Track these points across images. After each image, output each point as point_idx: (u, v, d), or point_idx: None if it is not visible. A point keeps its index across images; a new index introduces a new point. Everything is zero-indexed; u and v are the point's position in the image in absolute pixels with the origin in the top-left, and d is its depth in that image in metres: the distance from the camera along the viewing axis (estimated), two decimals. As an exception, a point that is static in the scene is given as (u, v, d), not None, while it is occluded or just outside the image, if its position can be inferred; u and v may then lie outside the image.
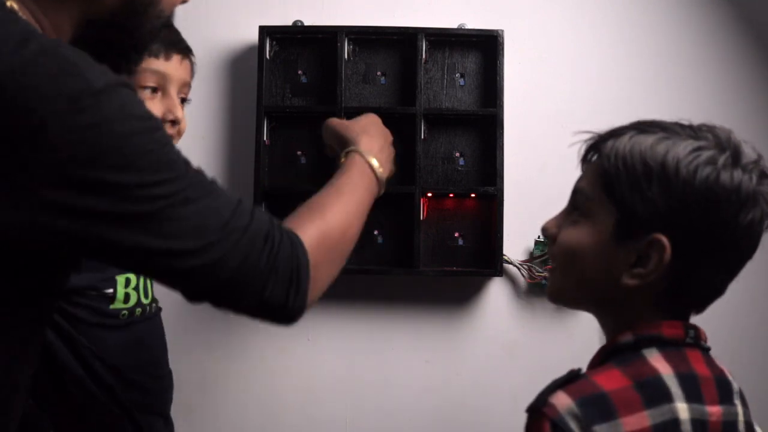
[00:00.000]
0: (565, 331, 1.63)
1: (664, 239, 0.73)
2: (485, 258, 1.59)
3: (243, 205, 0.71)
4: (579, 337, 1.61)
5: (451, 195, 1.60)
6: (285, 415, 1.64)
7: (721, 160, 0.73)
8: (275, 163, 1.61)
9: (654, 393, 0.71)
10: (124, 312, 1.09)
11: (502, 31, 1.58)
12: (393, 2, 1.67)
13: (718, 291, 0.77)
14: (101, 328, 1.07)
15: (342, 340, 1.64)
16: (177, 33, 1.10)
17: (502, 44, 1.58)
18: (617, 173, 0.75)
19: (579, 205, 0.80)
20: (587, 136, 0.81)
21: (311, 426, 1.64)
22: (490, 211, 1.58)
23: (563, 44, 1.66)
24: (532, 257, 1.61)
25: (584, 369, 0.78)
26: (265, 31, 1.59)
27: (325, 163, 1.60)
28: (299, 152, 1.61)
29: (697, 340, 0.76)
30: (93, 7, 0.71)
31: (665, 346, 0.75)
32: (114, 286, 1.08)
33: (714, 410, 0.72)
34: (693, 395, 0.72)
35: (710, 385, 0.74)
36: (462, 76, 1.62)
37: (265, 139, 1.59)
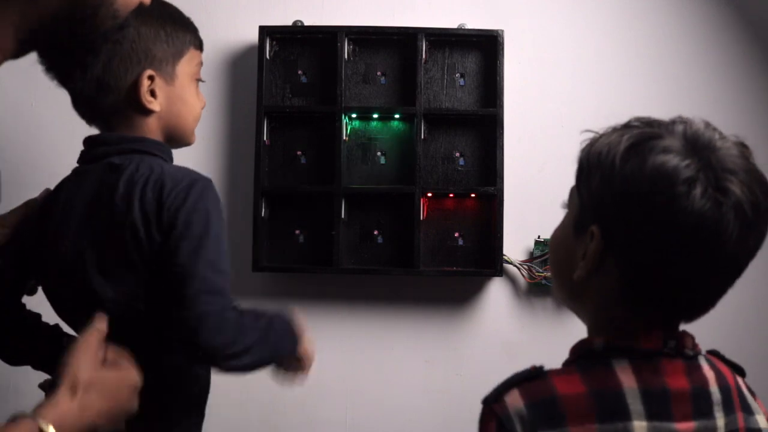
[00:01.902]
0: (565, 331, 1.62)
1: (595, 229, 0.72)
2: (485, 258, 1.59)
3: None
4: (579, 337, 1.60)
5: (451, 195, 1.60)
6: (285, 415, 1.64)
7: (651, 145, 0.70)
8: (275, 163, 1.61)
9: (610, 407, 0.69)
10: None
11: (502, 31, 1.58)
12: (393, 2, 1.67)
13: (695, 298, 0.72)
14: None
15: (342, 340, 1.64)
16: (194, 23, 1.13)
17: (502, 44, 1.58)
18: (581, 166, 0.77)
19: (568, 202, 0.82)
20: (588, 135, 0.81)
21: (311, 426, 1.64)
22: (490, 211, 1.58)
23: (563, 44, 1.66)
24: (532, 257, 1.61)
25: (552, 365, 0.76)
26: (265, 31, 1.59)
27: (325, 163, 1.60)
28: (299, 152, 1.61)
29: (678, 350, 0.73)
30: (33, 12, 0.68)
31: (638, 357, 0.72)
32: None
33: (684, 427, 0.70)
34: (658, 413, 0.69)
35: (684, 400, 0.70)
36: (462, 76, 1.62)
37: (265, 139, 1.59)
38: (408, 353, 1.65)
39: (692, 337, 0.75)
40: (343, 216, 1.57)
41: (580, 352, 0.76)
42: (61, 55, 0.92)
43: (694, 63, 1.66)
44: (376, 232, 1.60)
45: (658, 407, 0.69)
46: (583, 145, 0.77)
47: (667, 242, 0.68)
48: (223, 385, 1.63)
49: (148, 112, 1.05)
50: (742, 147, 0.72)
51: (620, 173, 0.70)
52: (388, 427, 1.63)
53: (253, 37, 1.61)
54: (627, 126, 0.75)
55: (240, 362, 1.00)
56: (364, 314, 1.65)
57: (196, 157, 1.65)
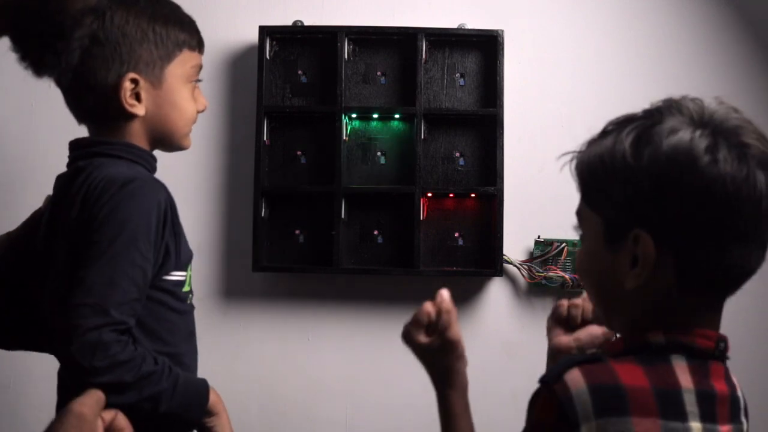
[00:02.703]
0: (565, 331, 1.62)
1: (641, 232, 0.69)
2: (485, 258, 1.59)
3: None
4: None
5: (451, 195, 1.60)
6: (285, 415, 1.64)
7: (664, 128, 0.69)
8: (275, 163, 1.61)
9: (671, 407, 0.68)
10: (190, 296, 1.05)
11: (502, 31, 1.58)
12: (393, 2, 1.67)
13: (742, 266, 0.71)
14: (176, 314, 1.00)
15: (342, 340, 1.64)
16: (195, 23, 1.09)
17: (502, 44, 1.58)
18: (585, 182, 0.75)
19: (579, 225, 0.79)
20: (569, 157, 0.79)
21: (311, 426, 1.64)
22: (490, 211, 1.58)
23: (563, 44, 1.66)
24: (532, 257, 1.61)
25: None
26: (265, 31, 1.59)
27: (325, 163, 1.60)
28: (299, 152, 1.61)
29: (723, 353, 0.73)
30: None
31: (694, 356, 0.71)
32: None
33: (725, 429, 0.71)
34: (708, 414, 0.70)
35: (725, 404, 0.71)
36: (462, 76, 1.62)
37: (265, 139, 1.59)
38: (408, 353, 1.64)
39: (727, 339, 0.75)
40: (343, 216, 1.57)
41: (633, 346, 0.73)
42: (29, 38, 0.91)
43: (694, 63, 1.66)
44: (376, 232, 1.60)
45: (708, 409, 0.70)
46: (575, 162, 0.76)
47: (711, 215, 0.67)
48: (223, 385, 1.63)
49: (131, 116, 0.99)
50: (735, 110, 0.73)
51: (641, 169, 0.68)
52: (388, 427, 1.63)
53: (253, 37, 1.61)
54: (608, 131, 0.74)
55: (110, 398, 0.81)
56: (364, 314, 1.65)
57: (196, 157, 1.66)
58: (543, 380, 0.70)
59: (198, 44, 1.07)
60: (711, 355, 0.72)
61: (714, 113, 0.71)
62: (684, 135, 0.68)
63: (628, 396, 0.68)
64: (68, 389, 1.00)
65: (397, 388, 1.64)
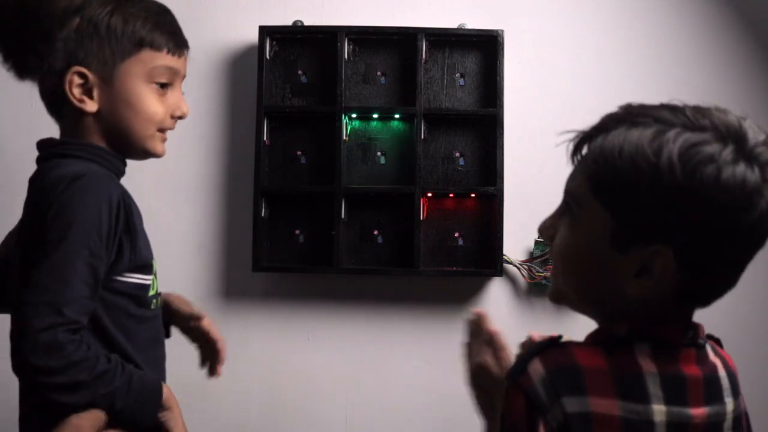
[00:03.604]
0: (565, 331, 1.61)
1: (668, 250, 0.67)
2: (485, 258, 1.59)
3: None
4: (579, 337, 1.60)
5: (451, 195, 1.60)
6: (285, 415, 1.64)
7: (723, 155, 0.66)
8: (275, 163, 1.61)
9: (631, 389, 0.69)
10: (154, 301, 1.02)
11: (502, 31, 1.58)
12: (393, 2, 1.67)
13: (728, 285, 0.73)
14: (135, 321, 0.98)
15: (342, 340, 1.64)
16: (179, 26, 1.06)
17: (502, 44, 1.58)
18: (607, 178, 0.69)
19: (571, 209, 0.74)
20: (573, 134, 0.77)
21: (311, 426, 1.64)
22: (490, 211, 1.58)
23: (563, 44, 1.66)
24: (532, 257, 1.61)
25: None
26: (265, 31, 1.59)
27: (325, 163, 1.60)
28: (299, 152, 1.61)
29: (694, 340, 0.73)
30: None
31: (659, 345, 0.71)
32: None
33: (698, 412, 0.70)
34: (676, 398, 0.70)
35: (698, 386, 0.71)
36: (462, 76, 1.62)
37: (265, 139, 1.59)
38: (408, 353, 1.65)
39: (702, 327, 0.75)
40: (343, 216, 1.57)
41: (599, 338, 0.74)
42: (11, 40, 0.90)
43: (694, 63, 1.66)
44: (376, 232, 1.60)
45: (675, 393, 0.70)
46: (596, 149, 0.72)
47: (735, 246, 0.68)
48: (223, 385, 1.63)
49: (82, 112, 0.96)
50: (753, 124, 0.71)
51: (689, 189, 0.65)
52: (388, 427, 1.63)
53: (253, 37, 1.61)
54: (637, 123, 0.70)
55: (64, 397, 0.84)
56: (364, 314, 1.65)
57: (196, 157, 1.66)
58: (509, 376, 0.71)
59: (170, 45, 1.01)
60: (678, 343, 0.72)
61: (746, 137, 0.68)
62: (738, 169, 0.65)
63: (585, 376, 0.68)
64: (26, 397, 0.98)
65: (397, 388, 1.64)
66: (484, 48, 1.61)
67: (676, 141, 0.66)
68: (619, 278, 0.70)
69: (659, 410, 0.68)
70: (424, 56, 1.59)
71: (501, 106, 1.57)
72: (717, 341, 0.80)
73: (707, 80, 1.66)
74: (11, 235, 1.07)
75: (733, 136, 0.67)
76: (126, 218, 0.94)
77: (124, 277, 0.96)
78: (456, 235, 1.60)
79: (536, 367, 0.69)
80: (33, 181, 0.97)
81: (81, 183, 0.90)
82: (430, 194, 1.59)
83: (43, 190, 0.91)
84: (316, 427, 1.64)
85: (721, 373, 0.74)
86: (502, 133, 1.57)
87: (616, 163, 0.68)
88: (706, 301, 0.74)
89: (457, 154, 1.61)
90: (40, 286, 0.84)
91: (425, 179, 1.59)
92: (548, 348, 0.71)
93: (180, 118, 1.05)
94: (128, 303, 0.97)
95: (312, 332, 1.65)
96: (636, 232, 0.68)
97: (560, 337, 0.73)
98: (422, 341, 1.64)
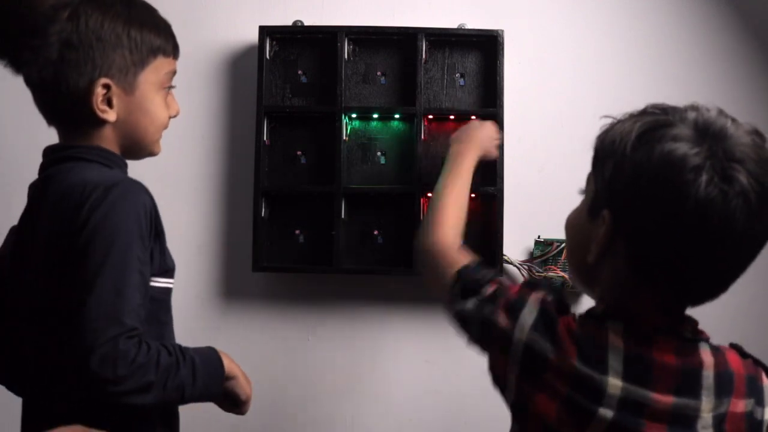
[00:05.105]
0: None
1: (606, 214, 0.75)
2: (485, 258, 1.58)
3: None
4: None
5: (451, 195, 1.60)
6: (285, 414, 1.64)
7: (662, 133, 0.71)
8: (275, 163, 1.61)
9: (591, 356, 0.72)
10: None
11: (502, 31, 1.58)
12: (393, 2, 1.67)
13: (707, 282, 0.74)
14: (162, 325, 1.00)
15: (342, 340, 1.64)
16: (171, 27, 1.07)
17: (502, 44, 1.58)
18: (595, 152, 0.80)
19: (586, 185, 0.84)
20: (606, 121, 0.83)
21: (311, 426, 1.64)
22: (490, 211, 1.58)
23: (563, 44, 1.66)
24: (532, 257, 1.61)
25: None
26: (265, 31, 1.59)
27: (325, 163, 1.60)
28: (299, 152, 1.61)
29: (674, 329, 0.75)
30: None
31: (634, 326, 0.74)
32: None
33: (661, 398, 0.71)
34: (637, 377, 0.71)
35: (668, 374, 0.72)
36: (462, 76, 1.62)
37: (265, 139, 1.59)
38: (408, 353, 1.65)
39: (695, 323, 0.77)
40: (343, 216, 1.57)
41: (581, 315, 0.79)
42: (4, 36, 0.90)
43: (694, 63, 1.66)
44: (376, 232, 1.60)
45: (637, 372, 0.71)
46: (600, 131, 0.80)
47: (673, 228, 0.70)
48: (223, 385, 1.63)
49: (102, 121, 0.97)
50: (756, 135, 0.72)
51: (630, 160, 0.72)
52: (388, 427, 1.63)
53: (253, 37, 1.61)
54: (643, 113, 0.77)
55: (137, 399, 0.87)
56: (364, 314, 1.65)
57: (196, 157, 1.66)
58: (525, 281, 0.83)
59: (173, 50, 1.04)
60: (652, 328, 0.74)
61: (725, 137, 0.71)
62: (681, 147, 0.69)
63: (558, 330, 0.74)
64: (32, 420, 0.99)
65: (397, 388, 1.64)
66: (484, 48, 1.61)
67: (643, 126, 0.73)
68: (588, 246, 0.78)
69: (614, 384, 0.71)
70: (424, 56, 1.59)
71: (501, 106, 1.57)
72: (737, 349, 0.81)
73: (707, 80, 1.66)
74: (11, 234, 1.07)
75: (710, 134, 0.70)
76: (156, 222, 0.96)
77: (154, 282, 0.96)
78: (456, 235, 1.60)
79: (534, 299, 0.78)
80: (44, 185, 0.97)
81: (119, 190, 0.90)
82: (430, 194, 1.59)
83: (69, 196, 0.91)
84: (316, 427, 1.64)
85: (707, 371, 0.74)
86: (502, 133, 1.57)
87: (602, 141, 0.78)
88: (684, 295, 0.76)
89: (457, 154, 1.61)
90: (97, 299, 0.85)
91: (425, 179, 1.59)
92: (548, 300, 0.78)
93: (173, 117, 1.07)
94: (158, 308, 0.98)
95: (312, 332, 1.65)
96: (599, 199, 0.77)
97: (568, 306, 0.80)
98: (422, 341, 1.64)
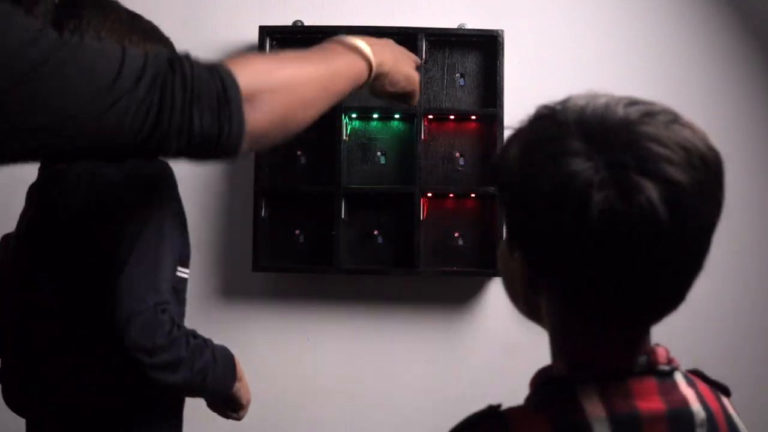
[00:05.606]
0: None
1: (515, 245, 0.65)
2: (485, 258, 1.59)
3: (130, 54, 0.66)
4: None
5: (451, 195, 1.60)
6: (285, 415, 1.64)
7: (549, 150, 0.62)
8: (275, 163, 1.61)
9: None
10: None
11: (502, 31, 1.58)
12: (393, 2, 1.67)
13: (646, 296, 0.61)
14: (180, 319, 1.02)
15: (342, 340, 1.64)
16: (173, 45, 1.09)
17: (502, 44, 1.58)
18: (493, 180, 0.73)
19: None
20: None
21: (311, 426, 1.64)
22: (490, 211, 1.58)
23: (563, 44, 1.66)
24: (532, 257, 1.61)
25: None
26: (265, 31, 1.59)
27: (325, 163, 1.60)
28: (299, 152, 1.61)
29: (650, 366, 0.64)
30: None
31: (605, 378, 0.63)
32: None
33: None
34: None
35: (658, 424, 0.62)
36: (462, 76, 1.62)
37: (265, 139, 1.59)
38: (408, 353, 1.65)
39: (666, 350, 0.66)
40: (343, 216, 1.57)
41: (540, 381, 0.66)
42: None
43: (694, 63, 1.66)
44: (376, 232, 1.60)
45: None
46: (498, 151, 0.69)
47: (584, 256, 0.59)
48: (223, 385, 1.63)
49: None
50: (678, 125, 0.64)
51: (521, 189, 0.62)
52: (388, 427, 1.63)
53: (253, 37, 1.61)
54: (531, 121, 0.69)
55: (167, 376, 0.88)
56: (364, 314, 1.65)
57: (196, 157, 1.66)
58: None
59: None
60: (628, 372, 0.63)
61: (627, 140, 0.61)
62: (570, 164, 0.59)
63: None
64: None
65: (397, 388, 1.64)
66: (484, 48, 1.61)
67: (528, 141, 0.66)
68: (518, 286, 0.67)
69: None
70: (424, 56, 1.58)
71: (501, 106, 1.57)
72: (699, 375, 0.70)
73: (707, 80, 1.66)
74: (5, 239, 1.07)
75: (606, 140, 0.62)
76: (182, 211, 1.00)
77: (176, 271, 1.00)
78: (456, 235, 1.60)
79: None
80: (56, 179, 0.98)
81: (161, 178, 0.96)
82: (430, 194, 1.59)
83: (99, 175, 0.94)
84: (316, 427, 1.64)
85: (694, 406, 0.64)
86: (502, 133, 1.57)
87: (496, 164, 0.68)
88: (630, 317, 0.63)
89: (457, 154, 1.61)
90: (136, 269, 0.87)
91: (425, 179, 1.58)
92: (481, 421, 0.65)
93: None
94: (174, 300, 1.00)
95: (312, 332, 1.65)
96: (510, 230, 0.66)
97: (499, 406, 0.65)
98: (422, 341, 1.64)
